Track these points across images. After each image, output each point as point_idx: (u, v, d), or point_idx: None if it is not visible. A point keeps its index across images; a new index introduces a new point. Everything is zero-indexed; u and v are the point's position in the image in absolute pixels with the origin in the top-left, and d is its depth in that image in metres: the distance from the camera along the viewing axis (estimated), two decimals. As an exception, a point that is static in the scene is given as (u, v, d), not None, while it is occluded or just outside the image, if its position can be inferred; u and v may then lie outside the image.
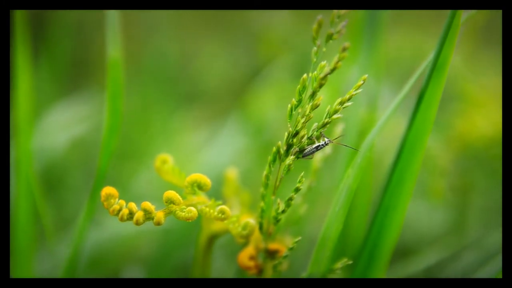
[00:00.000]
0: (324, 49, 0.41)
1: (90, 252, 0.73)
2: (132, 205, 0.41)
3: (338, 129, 0.47)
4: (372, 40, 0.58)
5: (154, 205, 0.41)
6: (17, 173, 0.54)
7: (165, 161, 0.46)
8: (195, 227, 0.70)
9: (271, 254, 0.46)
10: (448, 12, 0.43)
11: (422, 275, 0.64)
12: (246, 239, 0.45)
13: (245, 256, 0.45)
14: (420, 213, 0.83)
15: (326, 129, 0.43)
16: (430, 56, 0.44)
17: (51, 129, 0.87)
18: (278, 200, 0.44)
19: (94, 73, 1.20)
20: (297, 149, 0.43)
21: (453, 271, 0.63)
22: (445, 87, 0.44)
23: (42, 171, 0.82)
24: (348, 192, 0.42)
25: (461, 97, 0.82)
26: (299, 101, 0.42)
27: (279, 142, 0.43)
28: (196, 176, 0.43)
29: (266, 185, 0.44)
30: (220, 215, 0.43)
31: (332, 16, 0.41)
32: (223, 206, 0.43)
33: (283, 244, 0.47)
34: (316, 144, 0.43)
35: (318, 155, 0.48)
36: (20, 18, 0.54)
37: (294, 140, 0.43)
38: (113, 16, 0.52)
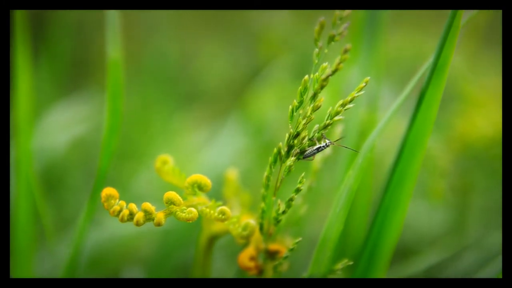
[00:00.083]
0: (326, 51, 0.41)
1: (90, 252, 0.73)
2: (133, 206, 0.41)
3: (339, 131, 0.47)
4: (373, 40, 0.58)
5: (154, 206, 0.41)
6: (17, 173, 0.54)
7: (166, 161, 0.46)
8: (195, 228, 0.70)
9: (271, 255, 0.46)
10: (448, 12, 0.43)
11: (423, 275, 0.64)
12: (247, 239, 0.45)
13: (245, 257, 0.45)
14: (420, 213, 0.83)
15: (327, 130, 0.43)
16: (431, 57, 0.44)
17: (51, 129, 0.87)
18: (279, 201, 0.44)
19: (94, 73, 1.20)
20: (298, 150, 0.43)
21: (454, 272, 0.63)
22: (446, 87, 0.44)
23: (42, 171, 0.82)
24: (349, 192, 0.42)
25: (461, 97, 0.82)
26: (300, 102, 0.42)
27: (280, 143, 0.43)
28: (196, 176, 0.43)
29: (266, 186, 0.44)
30: (220, 216, 0.43)
31: (334, 17, 0.41)
32: (224, 207, 0.43)
33: (284, 244, 0.47)
34: (317, 146, 0.43)
35: (319, 156, 0.48)
36: (20, 18, 0.54)
37: (295, 141, 0.43)
38: (113, 16, 0.52)
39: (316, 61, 0.42)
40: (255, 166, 0.85)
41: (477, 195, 0.83)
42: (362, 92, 0.41)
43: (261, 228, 0.45)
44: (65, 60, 1.00)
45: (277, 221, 0.44)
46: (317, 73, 0.41)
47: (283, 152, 0.43)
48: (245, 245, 0.47)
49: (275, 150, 0.43)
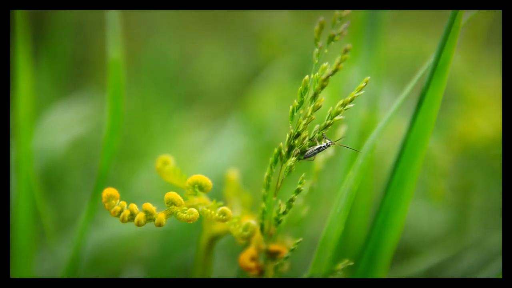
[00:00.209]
0: (326, 51, 0.41)
1: (90, 252, 0.73)
2: (134, 207, 0.41)
3: (340, 131, 0.47)
4: (373, 40, 0.58)
5: (155, 206, 0.41)
6: (18, 173, 0.54)
7: (166, 162, 0.46)
8: (196, 228, 0.70)
9: (272, 255, 0.46)
10: (448, 12, 0.43)
11: (423, 275, 0.64)
12: (247, 240, 0.45)
13: (246, 257, 0.45)
14: (420, 213, 0.83)
15: (328, 130, 0.43)
16: (431, 57, 0.44)
17: (51, 129, 0.87)
18: (279, 201, 0.44)
19: (94, 73, 1.20)
20: (298, 150, 0.43)
21: (454, 272, 0.63)
22: (446, 88, 0.44)
23: (42, 171, 0.82)
24: (349, 193, 0.42)
25: (461, 98, 0.82)
26: (301, 103, 0.42)
27: (281, 143, 0.43)
28: (197, 177, 0.43)
29: (267, 186, 0.44)
30: (221, 216, 0.43)
31: (334, 17, 0.41)
32: (224, 207, 0.43)
33: (284, 245, 0.46)
34: (318, 146, 0.43)
35: (320, 156, 0.48)
36: (20, 18, 0.54)
37: (296, 141, 0.43)
38: (113, 16, 0.52)
39: (316, 61, 0.42)
40: (255, 166, 0.85)
41: (477, 195, 0.83)
42: (362, 92, 0.41)
43: (262, 228, 0.45)
44: (65, 60, 1.00)
45: (277, 221, 0.44)
46: (317, 73, 0.41)
47: (283, 152, 0.43)
48: (246, 245, 0.47)
49: (276, 150, 0.43)
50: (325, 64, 0.41)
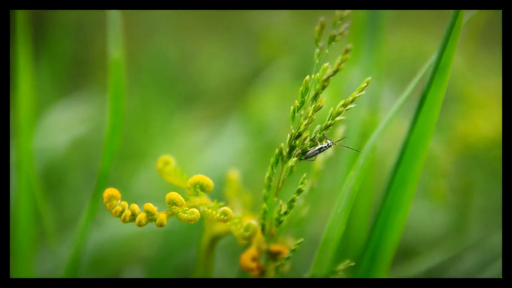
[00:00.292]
0: (326, 51, 0.41)
1: (91, 252, 0.73)
2: (135, 207, 0.41)
3: (341, 131, 0.47)
4: (373, 40, 0.58)
5: (156, 206, 0.41)
6: (18, 173, 0.54)
7: (167, 162, 0.46)
8: (197, 228, 0.70)
9: (273, 256, 0.46)
10: (448, 12, 0.43)
11: (424, 276, 0.64)
12: (248, 240, 0.45)
13: (247, 258, 0.45)
14: (421, 214, 0.83)
15: (328, 131, 0.43)
16: (432, 57, 0.44)
17: (52, 129, 0.87)
18: (280, 202, 0.44)
19: (94, 73, 1.20)
20: (299, 151, 0.43)
21: (455, 272, 0.63)
22: (447, 88, 0.44)
23: (42, 171, 0.82)
24: (350, 193, 0.42)
25: (462, 98, 0.82)
26: (302, 103, 0.42)
27: (282, 144, 0.43)
28: (198, 177, 0.43)
29: (268, 187, 0.44)
30: (222, 216, 0.43)
31: (335, 17, 0.41)
32: (226, 208, 0.43)
33: (285, 245, 0.46)
34: (319, 146, 0.43)
35: (320, 157, 0.48)
36: (20, 18, 0.54)
37: (297, 142, 0.43)
38: (114, 16, 0.52)
39: (317, 61, 0.42)
40: (256, 166, 0.85)
41: (477, 196, 0.83)
42: (363, 93, 0.41)
43: (263, 228, 0.45)
44: (65, 60, 1.00)
45: (278, 221, 0.44)
46: (318, 74, 0.41)
47: (284, 153, 0.43)
48: (247, 245, 0.47)
49: (277, 150, 0.43)
50: (326, 65, 0.41)
